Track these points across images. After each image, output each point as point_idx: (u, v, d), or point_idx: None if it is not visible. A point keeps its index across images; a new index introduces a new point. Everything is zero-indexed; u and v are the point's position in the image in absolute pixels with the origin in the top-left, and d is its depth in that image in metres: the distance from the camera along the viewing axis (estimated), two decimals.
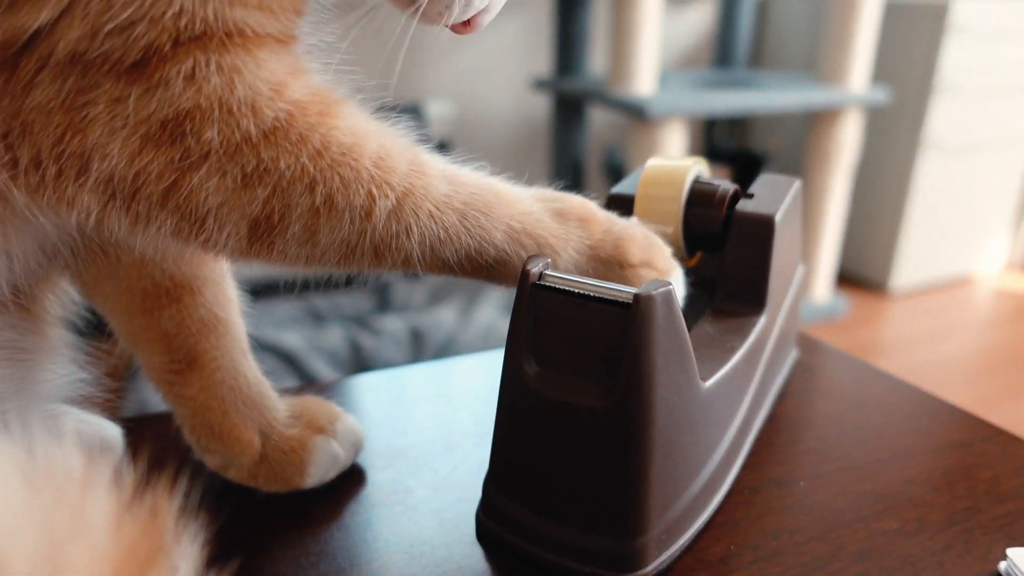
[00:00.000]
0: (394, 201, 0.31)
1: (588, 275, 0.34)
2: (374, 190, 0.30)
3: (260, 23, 0.28)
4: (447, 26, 0.34)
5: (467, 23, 0.34)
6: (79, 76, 0.26)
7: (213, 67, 0.27)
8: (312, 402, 0.41)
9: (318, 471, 0.38)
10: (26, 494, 0.19)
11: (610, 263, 0.34)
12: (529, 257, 0.33)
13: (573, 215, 0.35)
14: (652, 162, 0.42)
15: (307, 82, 0.30)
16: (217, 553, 0.23)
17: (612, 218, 0.36)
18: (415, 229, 0.31)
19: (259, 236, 0.30)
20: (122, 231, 0.29)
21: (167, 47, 0.26)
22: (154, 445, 0.37)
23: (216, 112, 0.27)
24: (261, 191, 0.29)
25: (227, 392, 0.38)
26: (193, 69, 0.27)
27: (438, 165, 0.33)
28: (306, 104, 0.29)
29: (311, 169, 0.29)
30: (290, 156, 0.29)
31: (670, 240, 0.41)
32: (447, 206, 0.32)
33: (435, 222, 0.32)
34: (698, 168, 0.43)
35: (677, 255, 0.42)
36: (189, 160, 0.27)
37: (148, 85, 0.26)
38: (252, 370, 0.39)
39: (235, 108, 0.27)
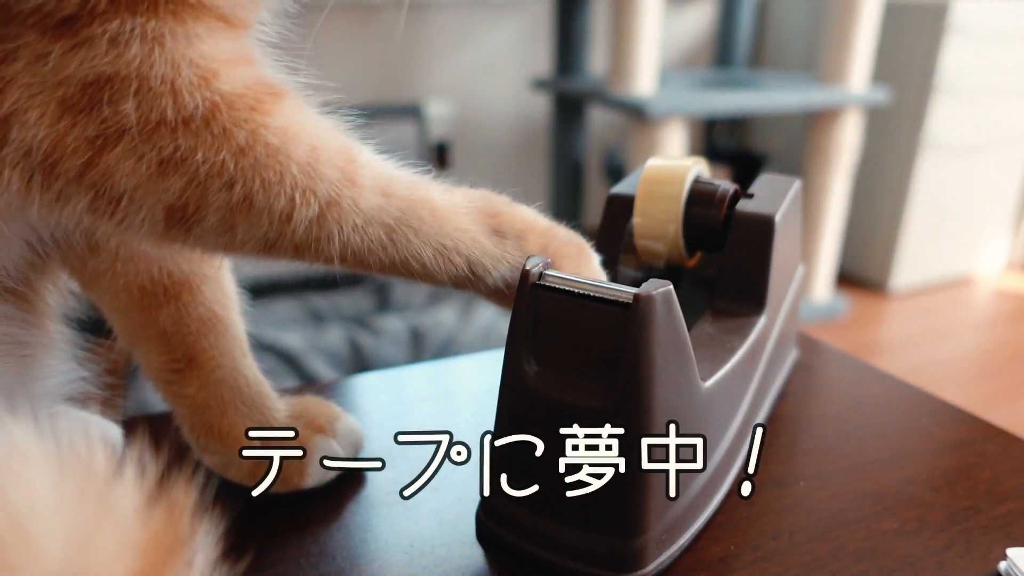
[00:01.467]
0: (316, 210, 0.29)
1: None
2: (297, 197, 0.29)
3: None
4: None
5: None
6: (1, 25, 0.25)
7: (137, 32, 0.25)
8: (312, 402, 0.41)
9: (318, 471, 0.38)
10: (57, 483, 0.20)
11: None
12: (528, 257, 0.33)
13: (512, 231, 0.34)
14: (652, 162, 0.42)
15: (245, 73, 0.29)
16: (227, 549, 0.24)
17: (552, 231, 0.35)
18: (337, 239, 0.30)
19: (175, 223, 0.29)
20: (43, 210, 0.28)
21: (102, 4, 0.25)
22: (157, 444, 0.37)
23: (134, 84, 0.26)
24: (176, 180, 0.27)
25: (226, 391, 0.38)
26: (118, 30, 0.25)
27: (374, 173, 0.32)
28: (236, 97, 0.28)
29: (231, 167, 0.28)
30: (209, 149, 0.27)
31: (670, 240, 0.41)
32: (375, 220, 0.31)
33: (359, 235, 0.30)
34: (698, 168, 0.43)
35: (677, 255, 0.42)
36: (106, 134, 0.26)
37: (72, 43, 0.25)
38: (252, 369, 0.39)
39: (153, 84, 0.26)
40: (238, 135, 0.28)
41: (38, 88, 0.25)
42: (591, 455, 0.32)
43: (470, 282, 0.34)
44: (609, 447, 0.32)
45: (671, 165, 0.42)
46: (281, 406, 0.40)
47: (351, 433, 0.40)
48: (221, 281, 0.38)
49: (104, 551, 0.20)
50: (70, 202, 0.28)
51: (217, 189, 0.28)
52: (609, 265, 0.43)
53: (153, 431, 0.43)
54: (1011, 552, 0.34)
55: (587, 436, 0.32)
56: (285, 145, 0.29)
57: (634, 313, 0.30)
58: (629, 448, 0.31)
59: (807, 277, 2.26)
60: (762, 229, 0.40)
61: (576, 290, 0.32)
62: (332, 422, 0.40)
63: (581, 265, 0.35)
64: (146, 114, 0.26)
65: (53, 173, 0.27)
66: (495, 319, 1.97)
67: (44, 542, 0.19)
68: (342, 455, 0.39)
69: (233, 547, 0.26)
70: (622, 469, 0.32)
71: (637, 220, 0.41)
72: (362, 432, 0.41)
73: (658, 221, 0.41)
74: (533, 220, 0.35)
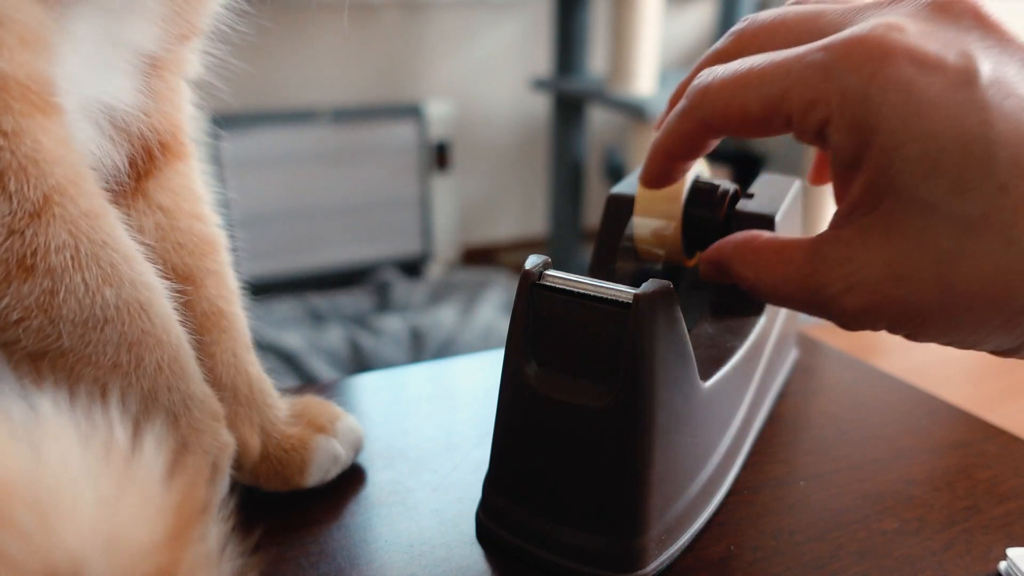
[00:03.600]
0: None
1: None
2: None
3: None
4: None
5: None
6: None
7: None
8: (312, 402, 0.41)
9: (319, 471, 0.38)
10: (83, 451, 0.21)
11: None
12: (528, 256, 0.33)
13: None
14: None
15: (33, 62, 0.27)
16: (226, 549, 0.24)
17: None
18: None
19: None
20: None
21: None
22: None
23: None
24: None
25: (228, 389, 0.37)
26: None
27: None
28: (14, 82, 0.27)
29: None
30: None
31: (669, 240, 0.41)
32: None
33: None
34: (699, 168, 0.43)
35: (677, 255, 0.42)
36: None
37: None
38: (255, 366, 0.39)
39: None
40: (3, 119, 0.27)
41: None
42: (591, 455, 0.32)
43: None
44: (609, 447, 0.32)
45: None
46: (282, 405, 0.39)
47: (352, 432, 0.40)
48: (224, 276, 0.38)
49: (132, 514, 0.21)
50: None
51: None
52: (610, 266, 0.43)
53: None
54: (1011, 552, 0.34)
55: (587, 436, 0.32)
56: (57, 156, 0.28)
57: (634, 313, 0.30)
58: (629, 448, 0.31)
59: None
60: (762, 229, 0.40)
61: (576, 290, 0.32)
62: (333, 421, 0.40)
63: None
64: None
65: None
66: (495, 319, 1.97)
67: (77, 505, 0.20)
68: (343, 454, 0.39)
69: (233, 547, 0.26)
70: (622, 469, 0.32)
71: (636, 220, 0.41)
72: (362, 432, 0.41)
73: (658, 221, 0.41)
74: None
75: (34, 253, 0.28)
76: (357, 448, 0.41)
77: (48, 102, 0.28)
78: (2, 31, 0.26)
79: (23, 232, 0.28)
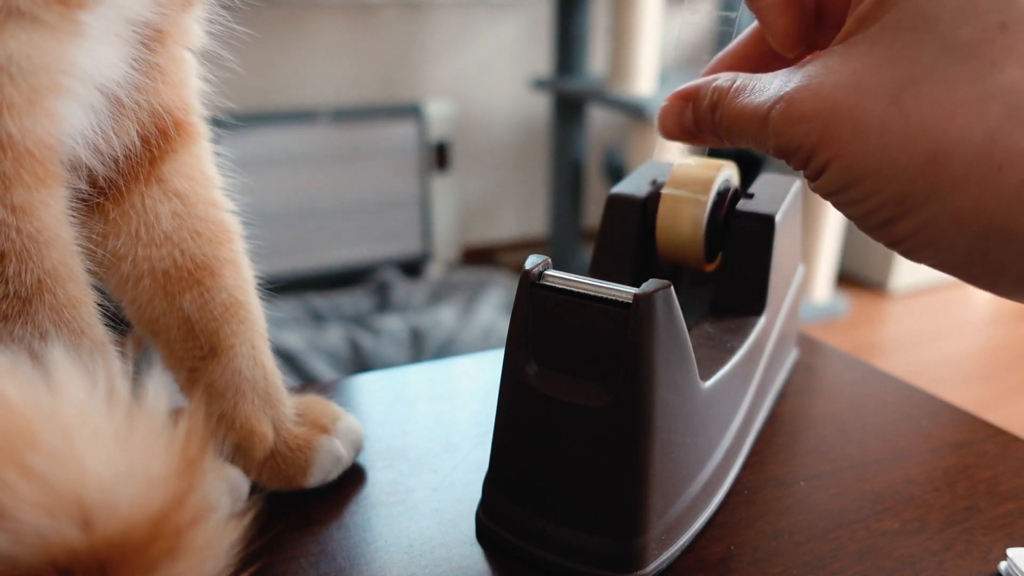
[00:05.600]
0: None
1: None
2: None
3: None
4: None
5: None
6: None
7: None
8: (314, 401, 0.41)
9: (321, 471, 0.38)
10: (93, 395, 0.22)
11: None
12: (528, 256, 0.33)
13: None
14: (681, 162, 0.41)
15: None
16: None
17: None
18: None
19: None
20: None
21: None
22: None
23: None
24: None
25: (244, 381, 0.37)
26: None
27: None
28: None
29: None
30: None
31: (690, 245, 0.40)
32: None
33: None
34: (727, 172, 0.42)
35: (696, 260, 0.41)
36: None
37: None
38: (270, 359, 0.38)
39: None
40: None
41: None
42: (591, 455, 0.32)
43: None
44: (609, 447, 0.32)
45: (698, 169, 0.41)
46: (290, 402, 0.39)
47: (352, 432, 0.40)
48: (240, 265, 0.38)
49: (144, 448, 0.22)
50: None
51: None
52: (610, 266, 0.43)
53: None
54: (1011, 552, 0.34)
55: (587, 436, 0.32)
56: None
57: (634, 313, 0.30)
58: (629, 448, 0.31)
59: (807, 277, 2.26)
60: (762, 229, 0.40)
61: (576, 290, 0.32)
62: (334, 421, 0.40)
63: None
64: None
65: None
66: (495, 319, 1.97)
67: (97, 438, 0.21)
68: (345, 455, 0.39)
69: (232, 547, 0.26)
70: (622, 469, 0.32)
71: (660, 224, 0.40)
72: (362, 432, 0.41)
73: (682, 224, 0.40)
74: None
75: (16, 341, 0.27)
76: (358, 448, 0.41)
77: (49, 172, 0.28)
78: (12, 89, 0.25)
79: (12, 319, 0.27)
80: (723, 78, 0.31)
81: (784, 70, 0.28)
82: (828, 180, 0.26)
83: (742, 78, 0.30)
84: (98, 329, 0.30)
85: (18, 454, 0.20)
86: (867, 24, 0.26)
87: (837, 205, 0.28)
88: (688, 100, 0.33)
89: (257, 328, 0.38)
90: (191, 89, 0.36)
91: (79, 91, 0.28)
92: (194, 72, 0.36)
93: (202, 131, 0.37)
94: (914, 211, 0.24)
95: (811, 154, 0.26)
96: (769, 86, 0.28)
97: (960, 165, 0.23)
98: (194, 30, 0.35)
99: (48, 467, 0.20)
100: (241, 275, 0.38)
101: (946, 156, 0.23)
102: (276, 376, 0.38)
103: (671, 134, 0.34)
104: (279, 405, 0.38)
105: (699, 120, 0.33)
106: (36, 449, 0.20)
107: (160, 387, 0.23)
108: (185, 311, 0.36)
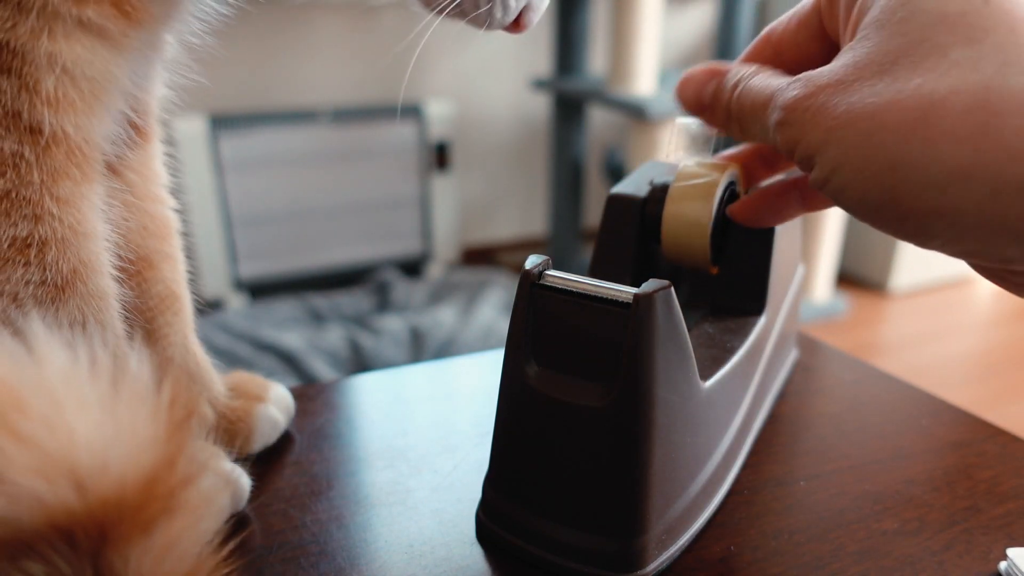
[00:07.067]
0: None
1: None
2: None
3: None
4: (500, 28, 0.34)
5: (516, 23, 0.34)
6: None
7: None
8: (243, 377, 0.43)
9: (263, 437, 0.41)
10: (76, 364, 0.23)
11: None
12: (528, 256, 0.33)
13: None
14: (686, 163, 0.41)
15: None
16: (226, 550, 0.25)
17: None
18: None
19: None
20: None
21: None
22: None
23: None
24: None
25: (180, 368, 0.39)
26: None
27: None
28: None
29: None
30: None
31: (696, 248, 0.40)
32: None
33: None
34: (732, 173, 0.41)
35: (704, 263, 0.41)
36: None
37: None
38: (199, 346, 0.41)
39: None
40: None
41: None
42: (591, 455, 0.32)
43: None
44: (609, 447, 0.32)
45: (703, 173, 0.41)
46: (220, 381, 0.42)
47: (284, 399, 0.43)
48: (177, 260, 0.40)
49: (130, 413, 0.23)
50: None
51: None
52: (610, 266, 0.43)
53: None
54: (1011, 552, 0.34)
55: (587, 436, 0.32)
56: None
57: (634, 313, 0.30)
58: (629, 448, 0.31)
59: (807, 277, 2.26)
60: (762, 229, 0.40)
61: (576, 290, 0.32)
62: (266, 391, 0.43)
63: None
64: None
65: None
66: (495, 319, 1.97)
67: (84, 405, 0.22)
68: (281, 420, 0.42)
69: (232, 547, 0.26)
70: (622, 469, 0.32)
71: (665, 226, 0.40)
72: (292, 398, 0.44)
73: (687, 229, 0.40)
74: None
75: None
76: (289, 413, 0.44)
77: (93, 168, 0.30)
78: (73, 90, 0.28)
79: (46, 306, 0.29)
80: (755, 66, 0.32)
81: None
82: (818, 170, 0.27)
83: (770, 70, 0.31)
84: (118, 323, 0.32)
85: (9, 421, 0.21)
86: (862, 28, 0.27)
87: (843, 202, 0.27)
88: (716, 76, 0.34)
89: (188, 320, 0.40)
90: (153, 96, 0.38)
91: (118, 99, 0.31)
92: (161, 80, 0.38)
93: (157, 132, 0.39)
94: (912, 177, 0.24)
95: (795, 145, 0.27)
96: (782, 78, 0.29)
97: (954, 117, 0.23)
98: (169, 41, 0.37)
99: (39, 432, 0.21)
100: (178, 269, 0.40)
101: (939, 109, 0.23)
102: (206, 360, 0.41)
103: (687, 102, 0.35)
104: (212, 385, 0.41)
105: (718, 95, 0.33)
106: (26, 416, 0.21)
107: (143, 357, 0.24)
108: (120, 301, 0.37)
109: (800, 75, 0.28)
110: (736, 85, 0.32)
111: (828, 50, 0.32)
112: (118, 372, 0.23)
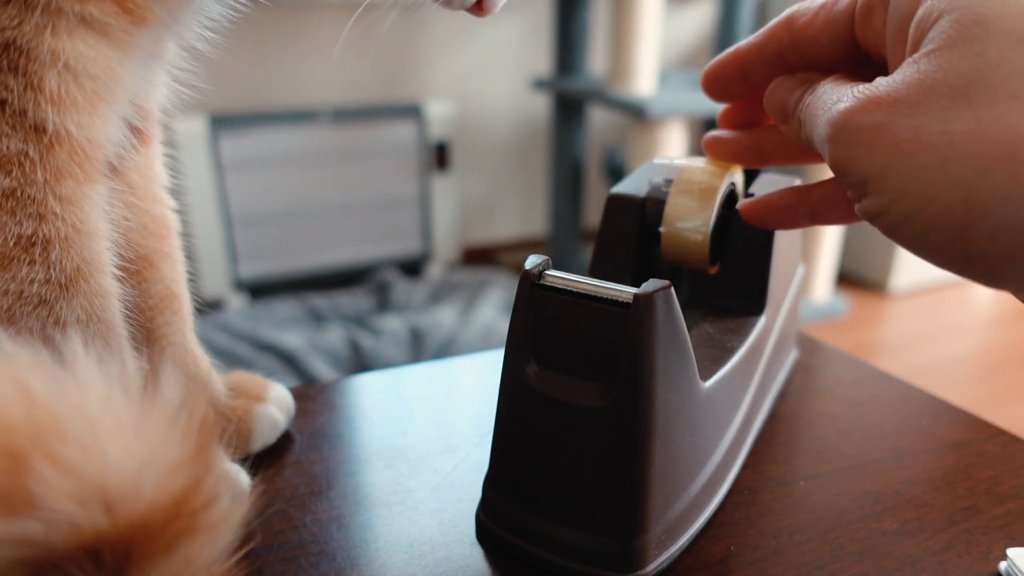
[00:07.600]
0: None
1: None
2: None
3: None
4: (464, 8, 0.34)
5: (479, 6, 0.34)
6: None
7: None
8: (243, 376, 0.43)
9: (262, 436, 0.41)
10: (111, 386, 0.23)
11: None
12: (528, 256, 0.33)
13: None
14: (687, 165, 0.41)
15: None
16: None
17: None
18: None
19: None
20: None
21: None
22: None
23: None
24: None
25: (180, 368, 0.39)
26: None
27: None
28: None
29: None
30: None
31: (696, 249, 0.40)
32: None
33: None
34: (734, 175, 0.41)
35: (701, 263, 0.41)
36: None
37: None
38: (198, 346, 0.41)
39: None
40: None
41: None
42: (591, 455, 0.32)
43: None
44: (609, 447, 0.32)
45: (706, 172, 0.41)
46: (221, 381, 0.42)
47: (284, 399, 0.43)
48: (177, 260, 0.40)
49: (160, 436, 0.23)
50: None
51: None
52: (610, 266, 0.43)
53: None
54: (1011, 552, 0.34)
55: (587, 436, 0.32)
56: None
57: (634, 313, 0.30)
58: (629, 448, 0.31)
59: (807, 277, 2.26)
60: (762, 229, 0.40)
61: (576, 290, 0.32)
62: (266, 390, 0.43)
63: None
64: None
65: None
66: (495, 319, 1.97)
67: (118, 429, 0.23)
68: (281, 420, 0.42)
69: (232, 547, 0.26)
70: (622, 469, 0.32)
71: (664, 230, 0.40)
72: (291, 398, 0.44)
73: (687, 229, 0.40)
74: None
75: (55, 325, 0.29)
76: (289, 413, 0.43)
77: (95, 168, 0.30)
78: (76, 88, 0.28)
79: (51, 303, 0.29)
80: (837, 78, 0.29)
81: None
82: (874, 200, 0.24)
83: (840, 79, 0.28)
84: (120, 322, 0.32)
85: (49, 447, 0.21)
86: (926, 42, 0.24)
87: (899, 236, 0.24)
88: (806, 84, 0.30)
89: (187, 319, 0.40)
90: (153, 99, 0.39)
91: (121, 100, 0.31)
92: (161, 82, 0.38)
93: (157, 133, 0.40)
94: (990, 216, 0.21)
95: (847, 166, 0.24)
96: (841, 89, 0.26)
97: None
98: (170, 48, 0.37)
99: (76, 458, 0.21)
100: (177, 269, 0.40)
101: None
102: (205, 360, 0.41)
103: (771, 108, 0.32)
104: (212, 385, 0.41)
105: (796, 103, 0.30)
106: (64, 441, 0.21)
107: (172, 377, 0.24)
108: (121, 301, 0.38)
109: (850, 85, 0.25)
110: (811, 92, 0.29)
111: (850, 58, 0.30)
112: (149, 393, 0.24)
